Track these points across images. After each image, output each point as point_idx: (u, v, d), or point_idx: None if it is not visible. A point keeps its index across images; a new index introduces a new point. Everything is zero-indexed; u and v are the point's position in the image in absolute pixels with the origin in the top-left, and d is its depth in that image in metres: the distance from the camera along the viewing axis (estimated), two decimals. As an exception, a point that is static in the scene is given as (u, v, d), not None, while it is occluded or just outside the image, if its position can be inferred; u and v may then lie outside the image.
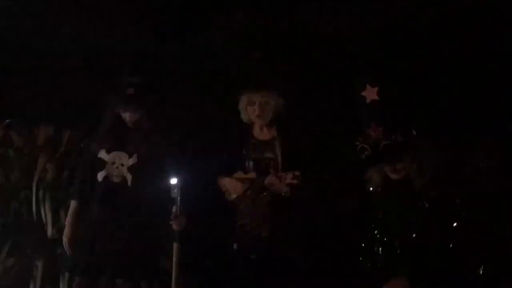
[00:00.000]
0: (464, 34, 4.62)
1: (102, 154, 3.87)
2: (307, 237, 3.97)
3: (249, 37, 4.66)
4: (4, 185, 4.36)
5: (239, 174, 3.98)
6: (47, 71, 4.81)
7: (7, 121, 4.51)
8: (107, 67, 4.75)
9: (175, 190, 3.78)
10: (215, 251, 4.12)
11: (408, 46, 4.63)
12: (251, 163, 3.99)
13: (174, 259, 3.81)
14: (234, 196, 3.98)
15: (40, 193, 4.37)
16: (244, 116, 4.08)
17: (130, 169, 3.85)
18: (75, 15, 4.93)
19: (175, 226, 3.81)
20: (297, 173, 3.83)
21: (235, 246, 3.98)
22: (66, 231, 3.89)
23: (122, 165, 3.85)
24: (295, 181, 3.83)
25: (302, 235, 3.95)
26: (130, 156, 3.87)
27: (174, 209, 3.78)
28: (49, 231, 4.32)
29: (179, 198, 3.78)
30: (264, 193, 3.93)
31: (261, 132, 4.07)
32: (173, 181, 3.78)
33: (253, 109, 4.02)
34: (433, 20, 4.66)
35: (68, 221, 3.92)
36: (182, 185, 3.78)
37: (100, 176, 3.85)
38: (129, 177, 3.84)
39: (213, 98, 4.65)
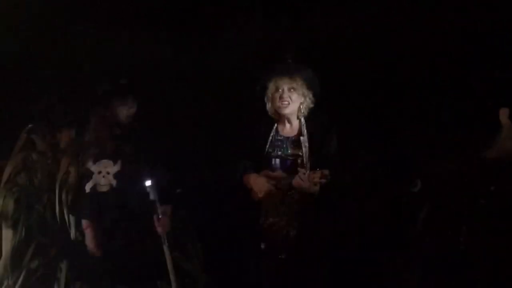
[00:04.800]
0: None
1: (89, 165, 3.97)
2: (337, 236, 3.93)
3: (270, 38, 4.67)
4: (28, 188, 4.33)
5: (266, 172, 3.93)
6: (67, 76, 4.82)
7: (29, 125, 4.50)
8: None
9: (152, 192, 3.81)
10: (243, 251, 4.07)
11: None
12: (277, 160, 3.94)
13: (168, 262, 3.84)
14: (261, 194, 3.92)
15: (63, 195, 4.34)
16: (270, 109, 3.99)
17: (115, 176, 3.94)
18: (92, 22, 4.97)
19: (159, 229, 3.82)
20: (326, 171, 3.76)
21: (263, 246, 3.93)
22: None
23: (108, 173, 3.95)
24: (323, 180, 3.76)
25: (331, 234, 3.90)
26: (114, 163, 3.94)
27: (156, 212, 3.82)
28: (73, 233, 4.28)
29: (157, 200, 3.80)
30: (292, 191, 3.86)
31: (287, 128, 4.00)
32: (148, 183, 3.80)
33: (279, 95, 3.91)
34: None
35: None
36: (159, 186, 3.80)
37: (87, 187, 3.94)
38: (114, 184, 3.93)
39: (236, 94, 4.62)
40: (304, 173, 3.79)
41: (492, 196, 4.11)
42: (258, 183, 3.90)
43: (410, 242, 4.18)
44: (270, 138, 4.00)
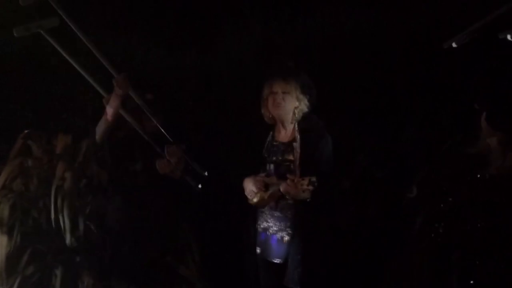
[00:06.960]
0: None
1: None
2: (331, 241, 3.90)
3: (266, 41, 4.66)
4: (23, 194, 4.33)
5: (260, 177, 3.91)
6: (65, 82, 4.83)
7: (26, 131, 4.51)
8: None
9: None
10: (238, 256, 4.05)
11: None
12: (271, 166, 3.91)
13: None
14: (255, 199, 3.90)
15: (59, 201, 4.32)
16: (265, 113, 3.97)
17: None
18: (96, 29, 4.97)
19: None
20: (313, 178, 3.70)
21: (258, 251, 3.92)
22: None
23: None
24: (311, 187, 3.71)
25: (326, 239, 3.87)
26: None
27: None
28: (68, 239, 4.27)
29: None
30: (286, 196, 3.84)
31: (283, 134, 3.98)
32: None
33: (273, 98, 3.88)
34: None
35: None
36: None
37: None
38: None
39: (236, 98, 4.61)
40: (293, 180, 3.75)
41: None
42: (248, 188, 3.89)
43: (409, 243, 4.15)
44: (267, 143, 3.98)
